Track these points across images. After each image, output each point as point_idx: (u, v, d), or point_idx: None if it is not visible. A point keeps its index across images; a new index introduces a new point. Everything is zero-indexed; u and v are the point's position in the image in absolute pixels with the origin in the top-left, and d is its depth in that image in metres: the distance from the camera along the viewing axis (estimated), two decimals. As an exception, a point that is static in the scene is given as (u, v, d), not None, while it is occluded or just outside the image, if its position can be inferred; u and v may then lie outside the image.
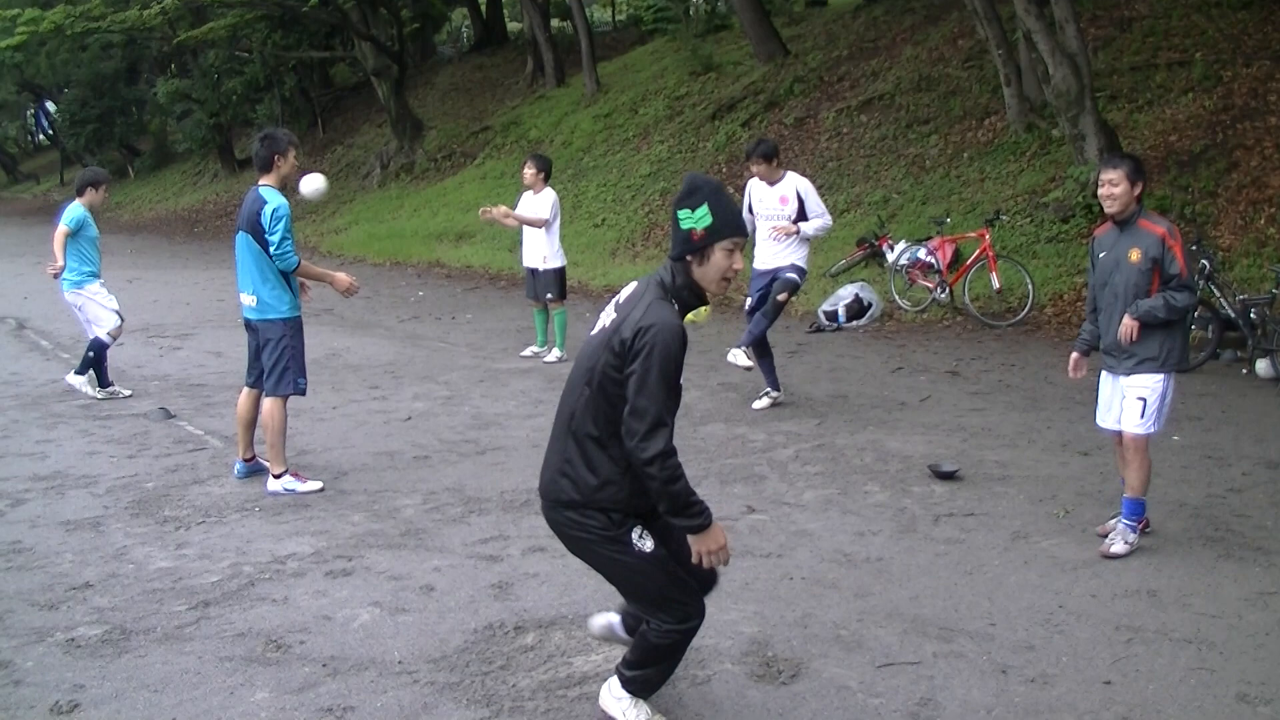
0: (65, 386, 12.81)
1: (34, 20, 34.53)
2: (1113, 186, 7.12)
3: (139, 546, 7.97)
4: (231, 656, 6.14)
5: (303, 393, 9.33)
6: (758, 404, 11.64)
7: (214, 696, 5.69)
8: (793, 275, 11.21)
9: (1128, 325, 7.16)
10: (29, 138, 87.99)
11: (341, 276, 9.56)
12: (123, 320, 13.05)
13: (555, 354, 14.30)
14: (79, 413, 12.20)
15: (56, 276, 12.68)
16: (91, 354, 12.73)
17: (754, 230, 11.41)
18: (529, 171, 14.14)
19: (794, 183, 11.18)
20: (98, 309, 12.71)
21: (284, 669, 5.97)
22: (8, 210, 59.35)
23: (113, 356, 13.36)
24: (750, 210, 11.43)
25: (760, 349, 11.48)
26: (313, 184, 9.75)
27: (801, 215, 11.10)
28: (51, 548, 7.99)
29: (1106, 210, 7.26)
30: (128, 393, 12.83)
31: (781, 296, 11.24)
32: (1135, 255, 7.18)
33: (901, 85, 23.18)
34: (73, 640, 6.40)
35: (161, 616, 6.71)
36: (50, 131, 74.37)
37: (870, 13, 28.43)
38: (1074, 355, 7.77)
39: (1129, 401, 7.30)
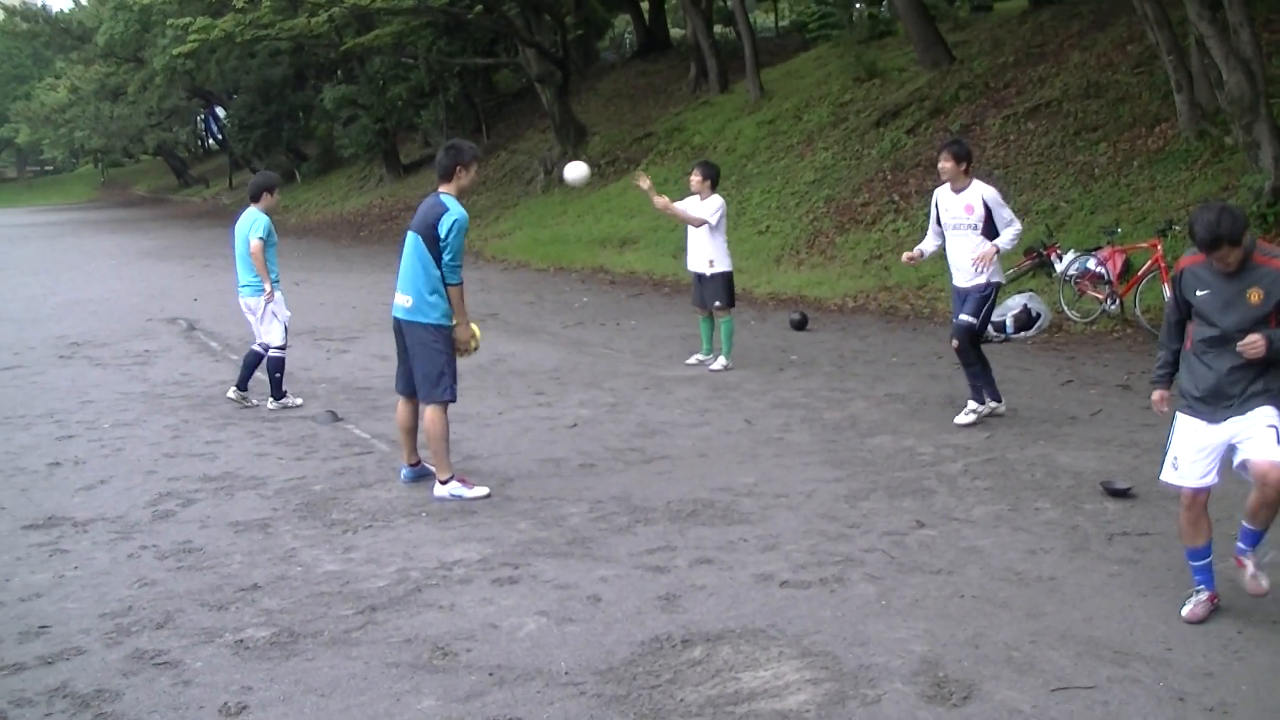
0: (270, 411, 12.81)
1: (205, 28, 35.40)
2: (1222, 262, 6.34)
3: (307, 549, 8.14)
4: (398, 662, 6.23)
5: (454, 399, 9.38)
6: (961, 419, 11.26)
7: (380, 703, 5.78)
8: (967, 319, 10.96)
9: (1257, 344, 6.35)
10: (199, 142, 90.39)
11: (463, 331, 9.45)
12: (287, 333, 13.11)
13: (721, 362, 14.24)
14: (248, 414, 12.50)
15: (271, 297, 12.73)
16: (278, 375, 12.88)
17: (942, 243, 11.23)
18: (696, 178, 14.08)
19: (980, 191, 10.80)
20: (271, 319, 12.78)
21: (451, 677, 6.05)
22: (178, 213, 60.95)
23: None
24: (938, 222, 11.17)
25: (967, 358, 11.23)
26: (576, 171, 9.96)
27: (989, 225, 10.74)
28: (221, 548, 8.20)
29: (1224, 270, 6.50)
30: (256, 402, 12.98)
31: (954, 344, 11.16)
32: (1256, 296, 6.43)
33: (1069, 91, 22.81)
34: (241, 641, 6.56)
35: (329, 620, 6.85)
36: (219, 136, 76.42)
37: (1037, 18, 28.02)
38: (1158, 392, 7.08)
39: (1262, 431, 6.50)
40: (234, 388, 13.05)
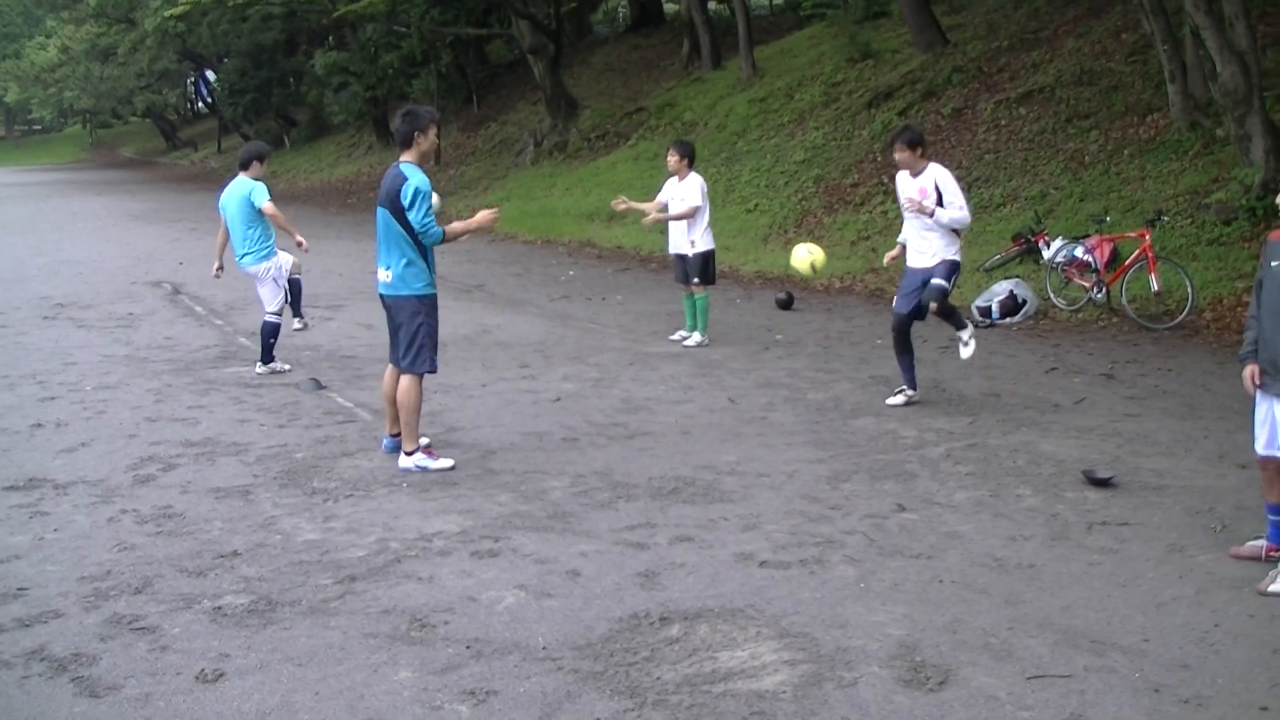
0: (256, 375, 12.84)
1: (198, -9, 35.25)
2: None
3: (287, 517, 8.14)
4: (376, 633, 6.23)
5: (434, 370, 9.38)
6: (892, 400, 11.42)
7: (357, 673, 5.78)
8: (940, 282, 10.91)
9: None
10: (188, 106, 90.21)
11: (484, 215, 9.56)
12: (288, 300, 13.35)
13: (696, 338, 14.34)
14: (231, 380, 12.50)
15: (304, 246, 13.23)
16: (272, 340, 12.91)
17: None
18: (673, 159, 14.26)
19: (934, 174, 10.86)
20: (274, 286, 12.84)
21: (428, 649, 6.05)
22: (166, 176, 60.78)
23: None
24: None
25: (902, 345, 11.30)
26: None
27: (940, 206, 10.76)
28: (201, 514, 8.19)
29: None
30: (287, 367, 13.02)
31: (933, 307, 11.01)
32: None
33: (1062, 78, 22.77)
34: (219, 609, 6.56)
35: (307, 589, 6.85)
36: (209, 100, 76.36)
37: (1032, 3, 27.89)
38: (1250, 367, 7.05)
39: None
40: (259, 363, 12.98)
